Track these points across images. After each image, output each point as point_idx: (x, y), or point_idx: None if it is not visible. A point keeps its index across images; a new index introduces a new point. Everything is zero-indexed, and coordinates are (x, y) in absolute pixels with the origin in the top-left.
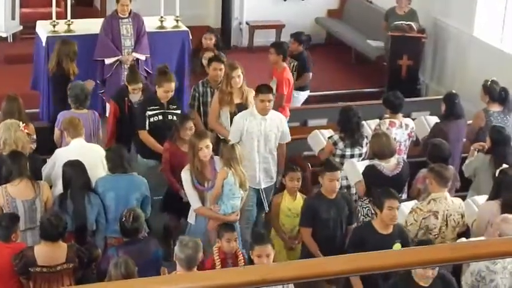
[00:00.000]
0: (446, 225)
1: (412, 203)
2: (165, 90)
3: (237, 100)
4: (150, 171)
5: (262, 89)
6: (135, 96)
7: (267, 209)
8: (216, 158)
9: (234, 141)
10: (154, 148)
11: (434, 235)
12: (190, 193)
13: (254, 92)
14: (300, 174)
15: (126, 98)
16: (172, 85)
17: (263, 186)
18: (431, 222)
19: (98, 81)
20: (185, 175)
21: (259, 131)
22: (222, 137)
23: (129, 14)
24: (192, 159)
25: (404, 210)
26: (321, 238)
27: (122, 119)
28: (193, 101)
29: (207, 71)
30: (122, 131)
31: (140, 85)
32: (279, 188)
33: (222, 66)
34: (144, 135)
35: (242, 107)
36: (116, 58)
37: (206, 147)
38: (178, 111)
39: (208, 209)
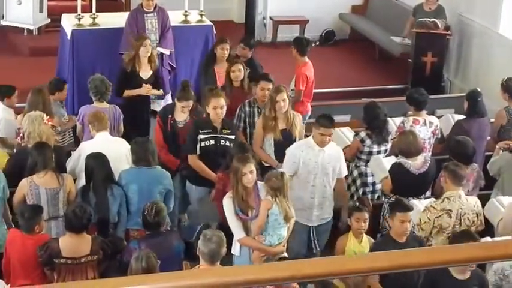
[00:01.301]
0: (460, 224)
1: (428, 202)
2: (214, 106)
3: (281, 125)
4: (201, 200)
5: (323, 122)
6: (182, 115)
7: (317, 250)
8: (260, 184)
9: (288, 174)
10: (205, 174)
11: (448, 234)
12: (233, 222)
13: (300, 116)
14: (366, 214)
15: (170, 116)
16: (222, 100)
17: (316, 224)
18: (444, 220)
19: None
20: (227, 203)
21: (316, 164)
22: (266, 165)
23: (154, 8)
24: (235, 186)
25: (418, 207)
26: (392, 285)
27: (165, 137)
28: (238, 122)
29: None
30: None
31: (191, 103)
32: (345, 228)
33: (271, 85)
34: (194, 160)
35: (287, 133)
36: None
37: (250, 173)
38: (232, 137)
39: (253, 239)
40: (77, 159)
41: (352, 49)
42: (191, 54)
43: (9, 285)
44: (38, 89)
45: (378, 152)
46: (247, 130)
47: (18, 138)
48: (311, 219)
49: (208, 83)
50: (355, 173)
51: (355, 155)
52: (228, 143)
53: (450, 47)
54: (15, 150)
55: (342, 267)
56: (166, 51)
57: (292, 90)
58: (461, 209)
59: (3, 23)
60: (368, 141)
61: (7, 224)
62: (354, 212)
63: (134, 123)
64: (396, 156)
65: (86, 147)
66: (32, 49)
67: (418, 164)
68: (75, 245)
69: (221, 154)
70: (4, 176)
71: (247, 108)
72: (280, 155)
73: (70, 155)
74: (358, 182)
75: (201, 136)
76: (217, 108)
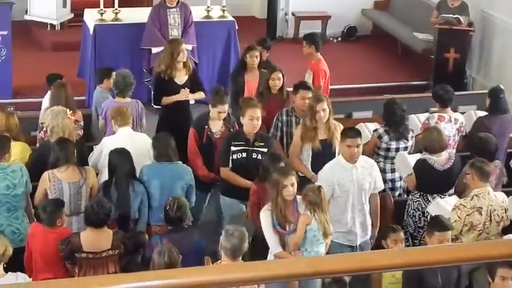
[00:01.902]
0: (490, 220)
1: (453, 200)
2: (251, 117)
3: (322, 136)
4: (234, 214)
5: (349, 133)
6: (217, 124)
7: None
8: (299, 197)
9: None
10: (239, 184)
11: (479, 231)
12: (269, 236)
13: (341, 126)
14: (402, 234)
15: (206, 126)
16: (258, 111)
17: (359, 242)
18: (475, 218)
19: (144, 70)
20: (265, 216)
21: (351, 182)
22: (301, 175)
23: (177, 3)
24: (275, 198)
25: (445, 207)
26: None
27: (200, 149)
28: (275, 131)
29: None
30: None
31: (226, 107)
32: (374, 247)
33: (310, 94)
34: (226, 172)
35: (327, 143)
36: (163, 47)
37: (291, 185)
38: (265, 150)
39: (290, 254)
40: (99, 154)
41: (374, 45)
42: (213, 50)
43: (31, 279)
44: (60, 83)
45: (397, 149)
46: (284, 140)
47: (42, 132)
48: (355, 239)
49: (236, 91)
50: None
51: (373, 151)
52: (260, 156)
53: (473, 44)
54: (37, 145)
55: (362, 263)
56: (189, 47)
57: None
58: (490, 205)
59: (27, 17)
60: (386, 137)
61: (29, 218)
62: (389, 233)
63: (176, 132)
64: (421, 152)
65: (108, 143)
66: (54, 44)
67: (442, 160)
68: (96, 240)
69: (253, 167)
70: (27, 171)
71: (284, 118)
72: (318, 166)
73: (92, 149)
74: None
75: (233, 148)
76: (253, 119)
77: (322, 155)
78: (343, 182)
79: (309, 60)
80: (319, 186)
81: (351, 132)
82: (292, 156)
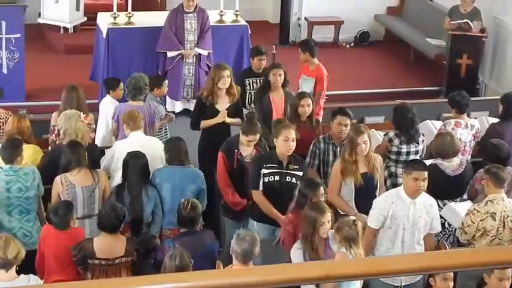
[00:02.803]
0: (504, 226)
1: (466, 204)
2: (286, 138)
3: (362, 169)
4: (263, 239)
5: (416, 165)
6: (247, 149)
7: None
8: (330, 232)
9: (374, 227)
10: (271, 214)
11: (492, 236)
12: None
13: (380, 158)
14: (452, 273)
15: (236, 150)
16: (293, 132)
17: (404, 283)
18: (488, 223)
19: (160, 73)
20: (297, 256)
21: (407, 217)
22: (342, 213)
23: (195, 8)
24: (310, 236)
25: (459, 212)
26: None
27: (230, 174)
28: (312, 160)
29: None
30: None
31: (257, 137)
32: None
33: (349, 121)
34: (259, 196)
35: (368, 177)
36: (178, 52)
37: (328, 222)
38: (300, 173)
39: None
40: (111, 159)
41: (387, 50)
42: (226, 54)
43: (43, 281)
44: (72, 86)
45: (408, 153)
46: (322, 169)
47: (53, 135)
48: (399, 279)
49: (264, 112)
50: (385, 173)
51: (384, 155)
52: (294, 180)
53: (485, 50)
54: (49, 148)
55: (374, 267)
56: (205, 52)
57: (309, 92)
58: (504, 211)
59: (40, 21)
60: (396, 141)
61: (41, 221)
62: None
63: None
64: (433, 157)
65: (120, 147)
66: (67, 47)
67: (453, 165)
68: (109, 246)
69: (286, 192)
70: (39, 173)
71: (322, 145)
72: (359, 202)
73: (103, 152)
74: (388, 182)
75: (265, 171)
76: (288, 140)
77: (364, 190)
78: (398, 215)
79: (304, 66)
80: (354, 220)
81: (418, 164)
82: (332, 193)
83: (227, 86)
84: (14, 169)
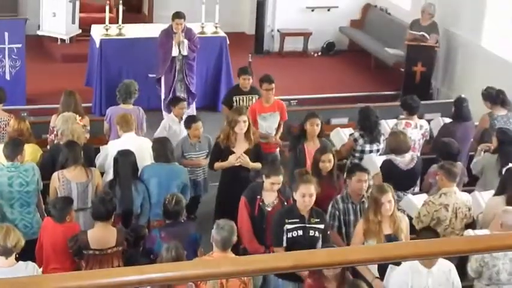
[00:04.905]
0: (456, 217)
1: (423, 196)
2: (303, 194)
3: (387, 230)
4: None
5: (429, 234)
6: (270, 196)
7: None
8: None
9: None
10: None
11: (445, 226)
12: None
13: (406, 219)
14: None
15: (258, 197)
16: (312, 188)
17: None
18: (442, 214)
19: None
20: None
21: None
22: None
23: (182, 30)
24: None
25: (416, 203)
26: None
27: (251, 220)
28: (332, 221)
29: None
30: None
31: (280, 179)
32: None
33: (367, 176)
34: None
35: (392, 238)
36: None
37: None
38: (321, 226)
39: None
40: (105, 158)
41: (350, 59)
42: (206, 63)
43: (41, 268)
44: (69, 91)
45: (370, 151)
46: (343, 230)
47: (52, 135)
48: None
49: (298, 161)
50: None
51: (349, 153)
52: (317, 234)
53: (438, 58)
54: (48, 147)
55: (341, 257)
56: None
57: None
58: (456, 203)
59: (40, 33)
60: (361, 141)
61: (40, 213)
62: None
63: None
64: (387, 153)
65: (113, 146)
66: (64, 56)
67: (406, 160)
68: (102, 238)
69: (309, 246)
70: (38, 170)
71: (340, 205)
72: (383, 266)
73: (98, 151)
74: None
75: (288, 226)
76: (305, 196)
77: None
78: None
79: (257, 105)
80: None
81: (432, 233)
82: None
83: (243, 131)
84: (16, 166)
